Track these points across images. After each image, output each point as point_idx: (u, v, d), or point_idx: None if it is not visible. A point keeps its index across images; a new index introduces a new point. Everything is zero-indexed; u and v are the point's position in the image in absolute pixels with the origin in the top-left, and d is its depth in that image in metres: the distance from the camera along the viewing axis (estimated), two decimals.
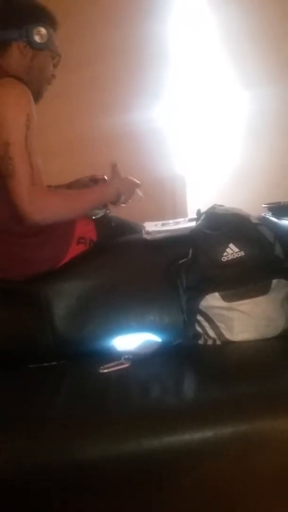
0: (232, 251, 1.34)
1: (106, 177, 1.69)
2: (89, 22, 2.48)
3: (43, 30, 1.46)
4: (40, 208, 1.37)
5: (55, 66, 1.56)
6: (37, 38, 1.46)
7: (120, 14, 2.49)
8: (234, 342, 1.33)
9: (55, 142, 2.39)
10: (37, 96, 1.52)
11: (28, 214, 1.35)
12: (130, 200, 1.62)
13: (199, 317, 1.36)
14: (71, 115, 2.52)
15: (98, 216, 1.60)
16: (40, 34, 1.46)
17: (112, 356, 1.28)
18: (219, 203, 1.57)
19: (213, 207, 1.52)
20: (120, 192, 1.57)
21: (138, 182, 1.64)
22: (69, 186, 1.76)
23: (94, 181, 1.71)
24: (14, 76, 1.42)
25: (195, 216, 1.55)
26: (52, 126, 2.36)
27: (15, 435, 1.05)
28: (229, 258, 1.34)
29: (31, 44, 1.46)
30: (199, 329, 1.36)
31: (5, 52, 1.46)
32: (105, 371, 1.22)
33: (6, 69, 1.45)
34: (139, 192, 1.64)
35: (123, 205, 1.60)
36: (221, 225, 1.40)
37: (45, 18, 1.49)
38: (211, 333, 1.35)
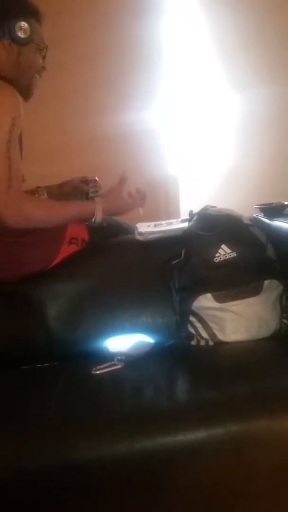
0: (224, 252, 1.35)
1: (97, 178, 1.69)
2: (82, 23, 2.48)
3: (25, 25, 1.46)
4: (14, 212, 1.39)
5: (43, 58, 1.55)
6: (20, 34, 1.45)
7: (113, 15, 2.49)
8: (226, 343, 1.33)
9: (48, 144, 2.39)
10: (28, 91, 1.53)
11: (2, 217, 1.38)
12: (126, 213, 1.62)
13: (192, 318, 1.36)
14: (65, 117, 2.52)
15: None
16: (22, 29, 1.45)
17: (105, 357, 1.28)
18: (211, 204, 1.58)
19: (205, 208, 1.52)
20: (108, 211, 1.55)
21: (142, 201, 1.65)
22: (60, 186, 1.76)
23: (85, 182, 1.71)
24: (3, 77, 1.42)
25: (188, 217, 1.56)
26: (45, 128, 2.36)
27: (8, 436, 1.05)
28: (222, 259, 1.34)
29: (15, 40, 1.46)
30: (191, 330, 1.37)
31: None
32: (98, 372, 1.22)
33: None
34: (140, 211, 1.64)
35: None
36: (214, 226, 1.40)
37: (26, 10, 1.48)
38: (204, 333, 1.35)
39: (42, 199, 1.58)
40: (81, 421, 1.06)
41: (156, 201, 2.63)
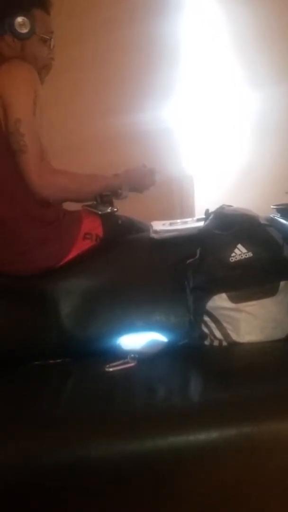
0: (240, 252, 1.33)
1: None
2: (99, 21, 2.48)
3: (23, 19, 1.45)
4: (48, 183, 1.43)
5: (50, 47, 1.53)
6: (20, 29, 1.45)
7: (131, 13, 2.48)
8: (240, 344, 1.32)
9: (64, 142, 2.39)
10: None
11: (38, 188, 1.41)
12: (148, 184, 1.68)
13: (206, 318, 1.35)
14: (80, 115, 2.51)
15: (105, 212, 1.60)
16: (21, 24, 1.45)
17: (117, 354, 1.28)
18: (226, 203, 1.56)
19: (221, 207, 1.51)
20: (122, 186, 1.60)
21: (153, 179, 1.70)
22: None
23: None
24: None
25: (203, 216, 1.54)
26: (60, 126, 2.36)
27: (19, 434, 1.05)
28: (237, 259, 1.33)
29: (16, 36, 1.46)
30: (205, 329, 1.36)
31: None
32: (111, 369, 1.22)
33: (4, 56, 1.47)
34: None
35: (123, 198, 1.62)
36: (230, 226, 1.39)
37: (26, 3, 1.47)
38: (218, 334, 1.34)
39: (71, 172, 1.58)
40: (93, 418, 1.06)
41: (171, 199, 2.62)
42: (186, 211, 2.56)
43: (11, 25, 1.44)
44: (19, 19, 1.44)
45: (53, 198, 1.48)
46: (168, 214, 2.25)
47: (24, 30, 1.45)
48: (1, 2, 1.47)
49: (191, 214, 2.44)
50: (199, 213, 1.87)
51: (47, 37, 1.52)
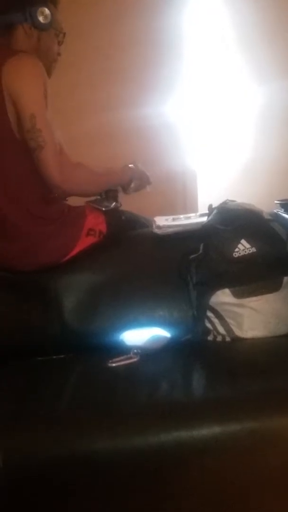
0: (243, 247, 1.33)
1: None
2: (102, 16, 2.46)
3: (46, 11, 1.46)
4: (70, 177, 1.44)
5: (59, 44, 1.56)
6: (41, 19, 1.46)
7: (133, 8, 2.47)
8: (243, 339, 1.32)
9: (67, 137, 2.38)
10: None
11: (59, 183, 1.41)
12: (137, 190, 1.67)
13: (209, 313, 1.35)
14: (82, 109, 2.51)
15: (109, 208, 1.60)
16: (44, 14, 1.46)
17: (120, 350, 1.28)
18: (230, 198, 1.56)
19: (225, 202, 1.50)
20: (133, 180, 1.62)
21: (151, 180, 1.69)
22: None
23: None
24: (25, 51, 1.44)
25: (206, 211, 1.54)
26: (62, 120, 2.35)
27: (22, 428, 1.05)
28: (241, 254, 1.33)
29: (36, 25, 1.47)
30: (208, 325, 1.36)
31: (12, 35, 1.47)
32: (114, 365, 1.22)
33: (16, 49, 1.46)
34: (148, 188, 1.69)
35: (131, 192, 1.64)
36: (233, 221, 1.38)
37: None
38: (221, 329, 1.34)
39: (86, 166, 1.59)
40: (95, 413, 1.07)
41: (174, 194, 2.61)
42: (189, 207, 2.55)
43: (33, 14, 1.45)
44: (44, 9, 1.46)
45: (72, 193, 1.49)
46: (171, 209, 2.25)
47: (45, 21, 1.47)
48: None
49: (194, 209, 2.43)
50: (202, 208, 1.87)
51: (61, 32, 1.54)
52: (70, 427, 1.05)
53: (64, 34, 1.55)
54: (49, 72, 1.54)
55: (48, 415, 1.07)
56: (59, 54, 1.58)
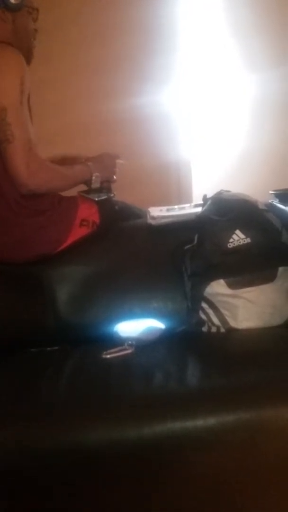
0: (238, 238, 1.32)
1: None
2: (97, 5, 2.44)
3: None
4: (36, 174, 1.40)
5: (34, 20, 1.54)
6: (12, 0, 1.44)
7: None
8: (238, 330, 1.31)
9: (60, 127, 2.36)
10: (28, 55, 1.52)
11: (25, 180, 1.39)
12: (115, 171, 1.64)
13: (204, 304, 1.34)
14: (78, 98, 2.49)
15: (101, 198, 1.59)
16: None
17: (115, 341, 1.27)
18: (224, 188, 1.55)
19: (219, 193, 1.49)
20: (93, 174, 1.57)
21: (115, 153, 1.67)
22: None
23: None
24: (4, 42, 1.42)
25: (201, 202, 1.53)
26: (55, 111, 2.34)
27: (17, 420, 1.05)
28: (235, 245, 1.32)
29: (8, 8, 1.45)
30: (203, 316, 1.35)
31: None
32: (108, 356, 1.21)
33: None
34: (120, 161, 1.66)
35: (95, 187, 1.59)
36: (228, 211, 1.37)
37: None
38: (215, 320, 1.33)
39: (52, 164, 1.58)
40: (90, 404, 1.06)
41: (168, 185, 2.61)
42: (183, 197, 2.55)
43: None
44: None
45: (39, 190, 1.45)
46: (165, 200, 2.23)
47: (17, 1, 1.45)
48: None
49: (188, 199, 2.42)
50: (197, 199, 1.86)
51: (34, 9, 1.52)
52: (65, 418, 1.04)
53: (37, 10, 1.54)
54: (31, 53, 1.53)
55: (42, 407, 1.07)
56: (36, 30, 1.56)
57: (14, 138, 1.36)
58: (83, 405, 1.06)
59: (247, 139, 2.61)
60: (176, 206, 1.69)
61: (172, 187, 2.63)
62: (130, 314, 1.39)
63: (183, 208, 1.67)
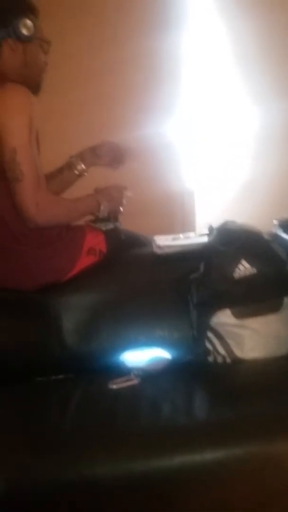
0: (244, 268, 1.33)
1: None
2: (102, 35, 2.50)
3: (28, 22, 1.45)
4: (45, 211, 1.42)
5: (45, 53, 1.55)
6: (24, 31, 1.45)
7: (134, 27, 2.50)
8: (244, 360, 1.31)
9: (62, 159, 2.39)
10: (36, 88, 1.53)
11: (33, 216, 1.40)
12: (123, 203, 1.65)
13: (209, 334, 1.34)
14: (80, 131, 2.52)
15: (108, 227, 1.60)
16: (26, 26, 1.45)
17: (121, 371, 1.27)
18: (227, 218, 1.56)
19: (225, 223, 1.51)
20: (101, 203, 1.58)
21: (123, 185, 1.67)
22: (93, 149, 1.76)
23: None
24: (13, 80, 1.44)
25: (205, 231, 1.54)
26: (58, 142, 2.36)
27: (22, 451, 1.04)
28: (241, 275, 1.33)
29: (20, 38, 1.45)
30: (209, 345, 1.35)
31: None
32: (115, 386, 1.21)
33: (3, 71, 1.46)
34: (128, 193, 1.67)
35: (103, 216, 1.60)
36: (234, 241, 1.39)
37: (26, 7, 1.48)
38: (221, 350, 1.33)
39: (60, 198, 1.59)
40: (97, 436, 1.05)
41: (172, 214, 2.62)
42: (187, 226, 2.56)
43: (16, 27, 1.43)
44: (26, 21, 1.44)
45: (46, 225, 1.47)
46: (169, 228, 2.24)
47: (29, 33, 1.45)
48: (5, 5, 1.46)
49: (192, 229, 2.44)
50: (200, 228, 1.87)
51: (45, 41, 1.53)
52: (70, 451, 1.03)
53: (49, 42, 1.54)
54: (39, 86, 1.54)
55: (49, 437, 1.06)
56: (46, 63, 1.57)
57: (23, 176, 1.37)
58: (89, 436, 1.05)
59: (251, 169, 2.64)
60: (181, 235, 1.70)
61: (176, 216, 2.65)
62: (136, 343, 1.39)
63: (189, 237, 1.68)
